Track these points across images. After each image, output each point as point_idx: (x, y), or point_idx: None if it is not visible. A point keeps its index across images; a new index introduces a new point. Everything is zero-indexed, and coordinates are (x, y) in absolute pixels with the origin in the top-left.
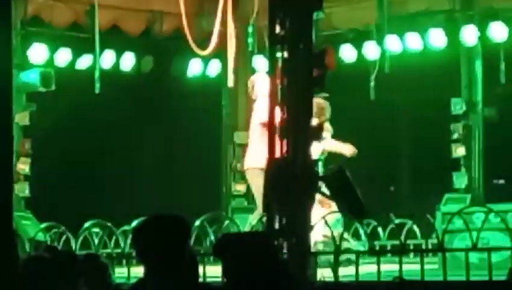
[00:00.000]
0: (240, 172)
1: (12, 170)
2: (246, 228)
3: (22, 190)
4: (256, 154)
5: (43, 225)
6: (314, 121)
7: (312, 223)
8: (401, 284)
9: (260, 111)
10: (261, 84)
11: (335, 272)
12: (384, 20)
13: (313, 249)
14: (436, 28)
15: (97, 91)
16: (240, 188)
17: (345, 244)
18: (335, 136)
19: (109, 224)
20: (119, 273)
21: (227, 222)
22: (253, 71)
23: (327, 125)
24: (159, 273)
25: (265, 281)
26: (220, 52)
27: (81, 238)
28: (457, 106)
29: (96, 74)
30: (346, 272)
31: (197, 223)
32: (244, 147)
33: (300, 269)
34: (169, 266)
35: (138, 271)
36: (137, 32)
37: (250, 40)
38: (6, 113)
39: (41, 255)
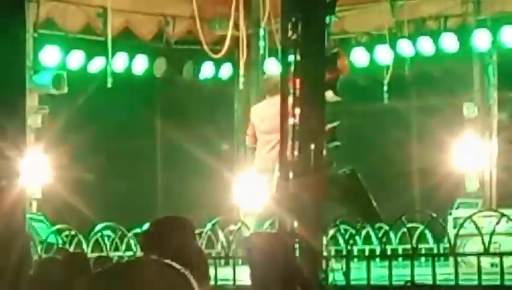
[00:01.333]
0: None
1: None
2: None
3: (34, 191)
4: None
5: (54, 227)
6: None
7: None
8: (412, 288)
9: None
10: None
11: (346, 275)
12: (396, 24)
13: None
14: (448, 32)
15: (109, 94)
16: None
17: None
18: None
19: (121, 227)
20: None
21: (238, 225)
22: (264, 74)
23: None
24: None
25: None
26: (232, 55)
27: (92, 240)
28: (470, 110)
29: (109, 77)
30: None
31: (209, 226)
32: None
33: (311, 272)
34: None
35: None
36: (150, 36)
37: (261, 43)
38: (19, 116)
39: (53, 257)
